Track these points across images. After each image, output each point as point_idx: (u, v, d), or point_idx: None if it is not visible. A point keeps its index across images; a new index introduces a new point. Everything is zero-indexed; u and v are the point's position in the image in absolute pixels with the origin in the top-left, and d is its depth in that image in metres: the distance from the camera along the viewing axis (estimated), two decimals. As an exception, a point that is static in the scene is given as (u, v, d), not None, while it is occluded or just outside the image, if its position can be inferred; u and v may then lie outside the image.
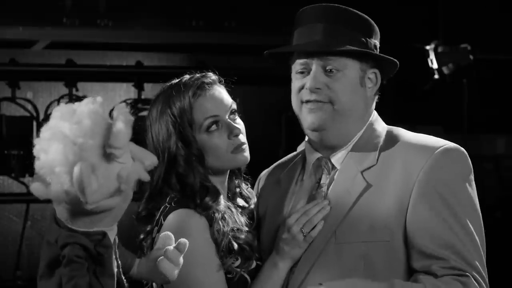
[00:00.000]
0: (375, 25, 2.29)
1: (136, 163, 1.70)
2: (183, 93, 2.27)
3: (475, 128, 5.74)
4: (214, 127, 2.27)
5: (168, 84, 2.32)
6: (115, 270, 1.79)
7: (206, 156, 2.27)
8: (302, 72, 2.25)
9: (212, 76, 2.33)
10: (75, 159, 1.63)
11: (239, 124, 2.31)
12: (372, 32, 2.27)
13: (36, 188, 1.67)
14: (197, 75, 2.33)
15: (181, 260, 1.88)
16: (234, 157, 2.29)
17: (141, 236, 2.28)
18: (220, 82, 2.35)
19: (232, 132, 2.27)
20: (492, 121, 6.24)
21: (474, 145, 5.47)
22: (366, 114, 2.28)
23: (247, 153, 2.31)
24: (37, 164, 1.67)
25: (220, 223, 2.22)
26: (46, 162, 1.65)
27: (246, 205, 2.39)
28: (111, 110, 1.71)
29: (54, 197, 1.68)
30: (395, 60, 2.29)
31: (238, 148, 2.28)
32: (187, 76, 2.32)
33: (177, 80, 2.32)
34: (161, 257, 1.86)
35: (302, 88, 2.24)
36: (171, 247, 1.86)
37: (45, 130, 1.67)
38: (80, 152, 1.63)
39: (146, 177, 1.72)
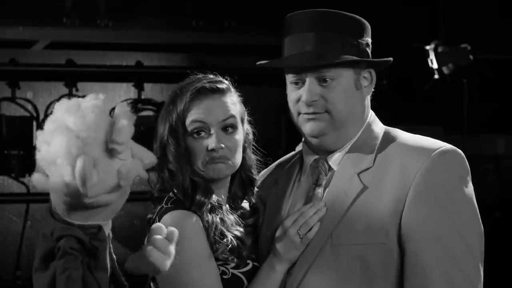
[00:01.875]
0: (364, 21, 2.27)
1: (135, 161, 1.71)
2: (185, 93, 2.28)
3: (475, 128, 5.74)
4: (198, 133, 2.27)
5: (180, 82, 2.34)
6: (109, 264, 1.79)
7: (192, 158, 2.28)
8: (296, 83, 2.24)
9: (219, 84, 2.31)
10: (77, 152, 1.64)
11: (229, 139, 2.28)
12: (363, 31, 2.26)
13: (37, 179, 1.68)
14: (207, 77, 2.32)
15: (171, 249, 1.86)
16: (208, 167, 2.27)
17: (149, 216, 2.30)
18: (229, 91, 2.32)
19: (209, 146, 2.26)
20: (492, 121, 6.24)
21: (474, 145, 5.48)
22: (364, 114, 2.28)
23: (223, 166, 2.27)
24: (38, 156, 1.68)
25: (209, 214, 2.23)
26: (47, 153, 1.66)
27: (248, 208, 2.38)
28: (111, 110, 1.72)
29: (53, 189, 1.69)
30: (389, 59, 2.28)
31: (214, 160, 2.26)
32: (196, 77, 2.32)
33: (187, 79, 2.33)
34: (149, 247, 1.85)
35: (298, 100, 2.23)
36: (159, 236, 1.86)
37: (49, 123, 1.68)
38: (83, 146, 1.64)
39: (144, 175, 1.72)
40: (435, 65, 5.54)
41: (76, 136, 1.64)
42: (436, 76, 5.56)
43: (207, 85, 2.28)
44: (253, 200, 2.39)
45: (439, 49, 5.54)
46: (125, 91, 5.89)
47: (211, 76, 2.33)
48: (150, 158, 1.74)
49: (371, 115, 2.30)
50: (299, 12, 2.26)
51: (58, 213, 1.73)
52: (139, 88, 5.61)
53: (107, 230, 1.78)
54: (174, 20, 5.52)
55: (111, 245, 1.81)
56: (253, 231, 2.35)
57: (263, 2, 5.62)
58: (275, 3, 5.55)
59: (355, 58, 2.21)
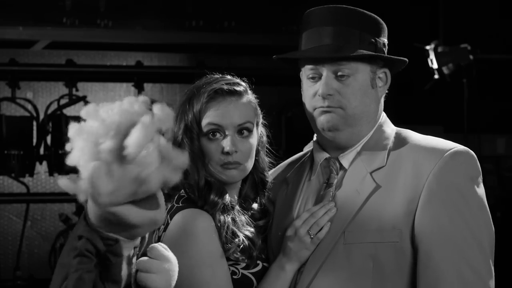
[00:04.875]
0: (382, 22, 2.28)
1: (162, 165, 1.62)
2: (202, 93, 2.26)
3: (475, 128, 5.74)
4: (213, 134, 2.25)
5: (197, 81, 2.32)
6: (123, 278, 1.77)
7: (206, 159, 2.27)
8: (313, 78, 2.23)
9: (237, 87, 2.28)
10: (91, 158, 1.60)
11: (243, 144, 2.26)
12: (380, 31, 2.26)
13: (63, 182, 1.65)
14: (225, 78, 2.30)
15: (156, 265, 1.83)
16: (222, 171, 2.26)
17: None
18: (246, 94, 2.29)
19: (224, 148, 2.24)
20: (492, 121, 6.25)
21: (474, 145, 5.48)
22: (377, 114, 2.28)
23: (236, 173, 2.26)
24: (67, 160, 1.67)
25: (221, 214, 2.22)
26: (71, 158, 1.64)
27: (257, 209, 2.37)
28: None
29: (79, 193, 1.66)
30: (405, 59, 2.29)
31: (228, 164, 2.25)
32: (213, 77, 2.30)
33: (204, 79, 2.31)
34: (135, 271, 1.82)
35: (315, 95, 2.23)
36: (142, 258, 1.82)
37: (72, 127, 1.64)
38: (97, 151, 1.60)
39: (174, 178, 1.63)
40: (435, 65, 5.54)
41: (93, 141, 1.60)
42: (436, 76, 5.56)
43: (225, 86, 2.26)
44: (263, 201, 2.38)
45: (439, 49, 5.54)
46: (125, 91, 5.89)
47: (229, 77, 2.31)
48: (180, 159, 1.64)
49: (383, 116, 2.31)
50: (317, 7, 2.26)
51: (87, 214, 1.72)
52: (139, 88, 5.62)
53: (129, 248, 1.75)
54: (174, 20, 5.52)
55: (134, 262, 1.79)
56: (263, 232, 2.34)
57: (263, 2, 5.62)
58: (275, 3, 5.55)
59: (372, 53, 2.21)
